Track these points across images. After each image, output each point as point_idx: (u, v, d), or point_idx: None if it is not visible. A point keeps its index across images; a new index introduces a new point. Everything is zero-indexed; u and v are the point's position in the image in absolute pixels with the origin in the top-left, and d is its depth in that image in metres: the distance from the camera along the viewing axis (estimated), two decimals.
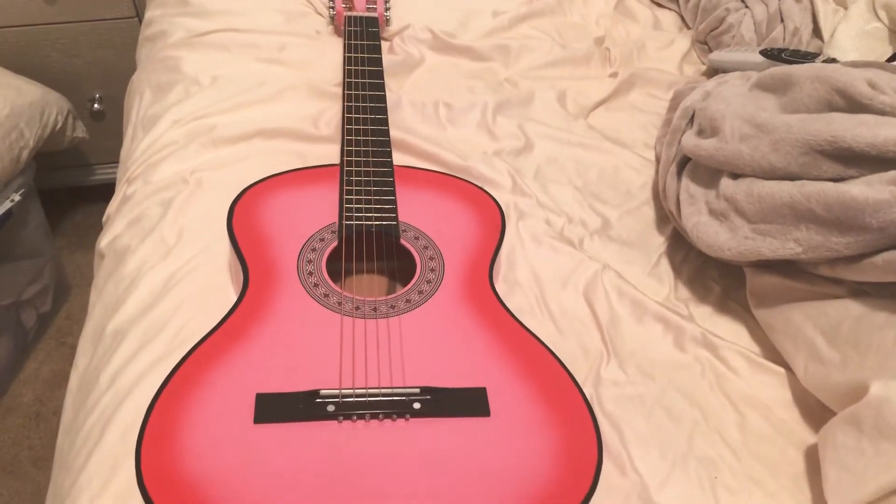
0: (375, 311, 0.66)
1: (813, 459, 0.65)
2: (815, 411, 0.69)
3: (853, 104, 0.68)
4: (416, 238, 0.75)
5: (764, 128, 0.72)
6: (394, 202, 0.77)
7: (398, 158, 0.88)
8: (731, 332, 0.77)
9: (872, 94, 0.67)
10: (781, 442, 0.67)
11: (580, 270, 0.81)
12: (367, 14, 1.08)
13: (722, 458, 0.66)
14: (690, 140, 0.82)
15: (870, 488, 0.57)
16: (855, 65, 0.77)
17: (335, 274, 0.71)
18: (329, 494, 0.53)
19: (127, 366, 0.68)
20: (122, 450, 0.62)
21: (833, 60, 0.95)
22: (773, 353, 0.74)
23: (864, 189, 0.62)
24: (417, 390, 0.60)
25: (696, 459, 0.65)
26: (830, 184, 0.65)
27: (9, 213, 1.34)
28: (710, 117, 0.80)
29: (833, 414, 0.65)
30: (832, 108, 0.70)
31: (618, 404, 0.69)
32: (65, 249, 1.69)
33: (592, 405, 0.65)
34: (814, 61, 0.95)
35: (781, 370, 0.72)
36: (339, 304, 0.67)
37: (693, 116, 0.88)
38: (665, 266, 0.85)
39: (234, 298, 0.68)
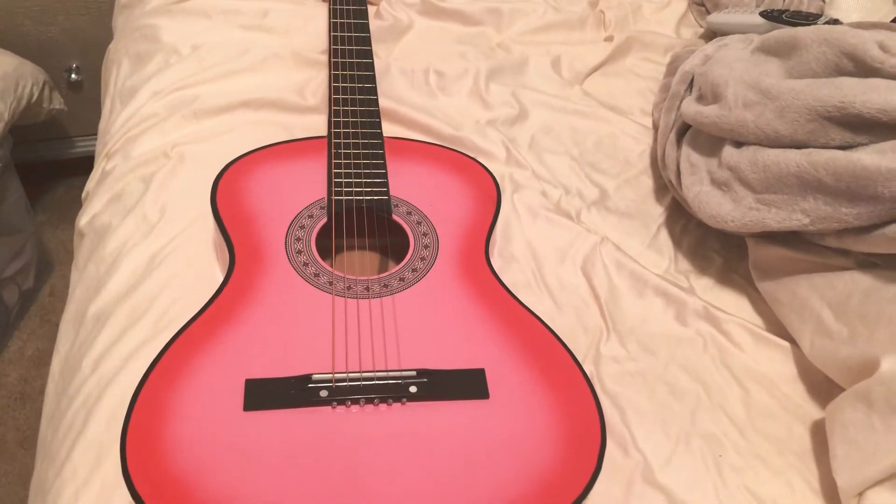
0: (368, 291, 0.64)
1: (820, 436, 0.64)
2: (821, 386, 0.67)
3: (863, 68, 0.66)
4: (409, 213, 0.72)
5: (769, 94, 0.70)
6: (385, 176, 0.74)
7: (388, 129, 0.85)
8: (733, 304, 0.75)
9: (884, 58, 0.64)
10: (787, 418, 0.66)
11: (578, 243, 0.79)
12: None
13: (726, 435, 0.64)
14: (691, 107, 0.80)
15: (880, 466, 0.55)
16: (861, 26, 0.74)
17: (325, 252, 0.68)
18: (323, 483, 0.51)
19: (110, 350, 0.66)
20: (108, 438, 0.59)
21: (836, 21, 0.92)
22: (777, 327, 0.72)
23: (876, 157, 0.60)
24: (413, 373, 0.58)
25: (700, 437, 0.64)
26: (840, 152, 0.63)
27: None
28: (711, 83, 0.77)
29: (840, 389, 0.63)
30: (840, 72, 0.68)
31: (619, 382, 0.67)
32: (46, 225, 1.65)
33: (593, 383, 0.63)
34: (816, 22, 0.93)
35: (786, 344, 0.70)
36: (330, 283, 0.64)
37: (692, 81, 0.85)
38: (665, 237, 0.82)
39: (221, 278, 0.65)
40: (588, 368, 0.68)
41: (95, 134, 1.00)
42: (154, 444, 0.52)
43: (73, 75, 1.56)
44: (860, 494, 0.56)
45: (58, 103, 1.48)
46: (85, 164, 1.02)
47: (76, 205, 0.86)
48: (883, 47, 0.65)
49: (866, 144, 0.63)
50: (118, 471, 0.53)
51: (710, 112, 0.75)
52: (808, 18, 0.94)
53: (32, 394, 1.35)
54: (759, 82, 0.71)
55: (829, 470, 0.59)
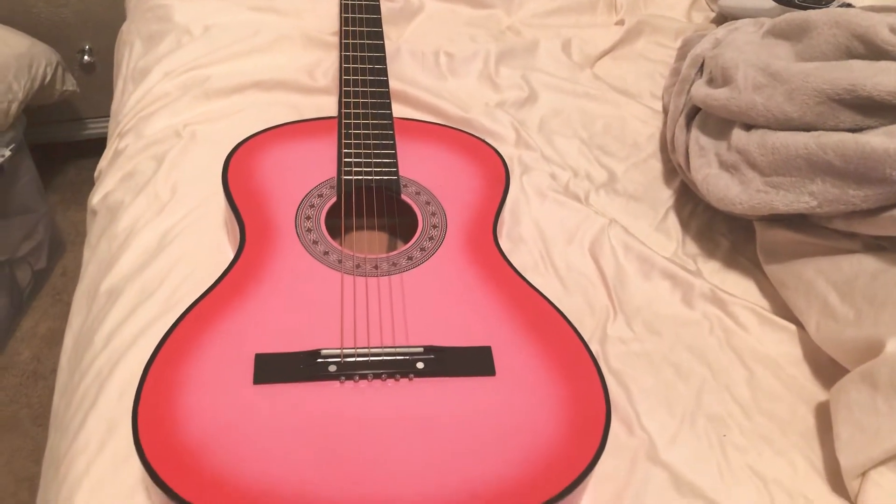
0: (377, 269, 0.64)
1: (824, 417, 0.64)
2: (826, 368, 0.67)
3: (873, 50, 0.66)
4: (418, 193, 0.72)
5: (779, 76, 0.70)
6: (394, 156, 0.74)
7: (397, 110, 0.85)
8: (740, 287, 0.75)
9: (895, 40, 0.64)
10: (791, 399, 0.66)
11: (586, 226, 0.79)
12: None
13: (731, 415, 0.65)
14: (701, 90, 0.79)
15: (884, 446, 0.56)
16: (874, 10, 0.74)
17: (334, 230, 0.69)
18: (330, 456, 0.52)
19: (122, 325, 0.67)
20: (119, 411, 0.60)
21: (848, 6, 0.92)
22: (783, 309, 0.72)
23: (885, 140, 0.60)
24: (421, 349, 0.58)
25: (704, 417, 0.64)
26: (849, 134, 0.63)
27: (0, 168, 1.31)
28: (721, 66, 0.77)
29: (845, 371, 0.63)
30: (851, 54, 0.68)
31: (624, 362, 0.68)
32: (58, 205, 1.66)
33: (599, 362, 0.63)
34: (828, 7, 0.92)
35: (792, 326, 0.71)
36: (340, 261, 0.65)
37: (703, 65, 0.85)
38: (672, 220, 0.83)
39: (231, 255, 0.66)
40: (594, 348, 0.69)
41: (107, 116, 1.01)
42: (165, 416, 0.53)
43: (85, 56, 1.56)
44: (863, 475, 0.57)
45: (70, 85, 1.48)
46: (97, 146, 1.03)
47: (88, 186, 0.87)
48: (894, 30, 0.65)
49: (875, 127, 0.63)
50: (129, 442, 0.54)
51: (720, 95, 0.75)
52: (819, 3, 0.94)
53: (45, 372, 1.36)
54: (769, 65, 0.71)
55: (833, 450, 0.59)
